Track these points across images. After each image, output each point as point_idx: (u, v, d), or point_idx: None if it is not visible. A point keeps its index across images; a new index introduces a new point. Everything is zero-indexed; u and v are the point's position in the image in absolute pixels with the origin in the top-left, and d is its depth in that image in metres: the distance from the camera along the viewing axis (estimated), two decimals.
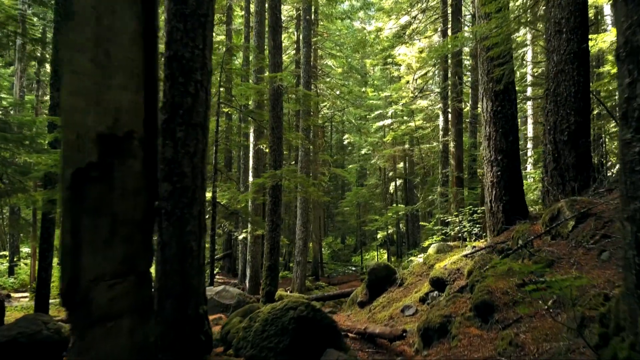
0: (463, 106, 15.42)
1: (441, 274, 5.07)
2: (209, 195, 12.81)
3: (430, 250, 11.45)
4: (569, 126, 7.18)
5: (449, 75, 15.35)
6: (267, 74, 9.59)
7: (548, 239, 4.45)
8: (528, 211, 5.76)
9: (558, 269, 3.57)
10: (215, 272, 20.74)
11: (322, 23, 22.34)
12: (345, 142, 35.41)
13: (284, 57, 23.68)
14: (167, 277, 3.22)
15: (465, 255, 5.36)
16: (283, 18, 22.96)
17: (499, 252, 4.96)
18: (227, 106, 12.88)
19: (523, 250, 3.98)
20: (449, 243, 11.76)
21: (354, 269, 29.02)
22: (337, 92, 24.29)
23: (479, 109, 5.79)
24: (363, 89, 25.06)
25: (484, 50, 5.55)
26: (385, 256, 27.85)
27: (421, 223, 14.99)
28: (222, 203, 12.52)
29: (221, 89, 12.93)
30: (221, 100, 12.55)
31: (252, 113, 11.75)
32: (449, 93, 15.02)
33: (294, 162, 22.13)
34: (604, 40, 10.73)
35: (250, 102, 15.03)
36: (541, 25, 10.06)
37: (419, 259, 12.75)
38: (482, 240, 10.71)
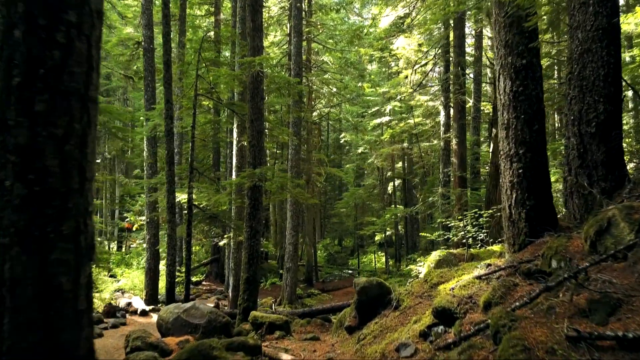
0: (466, 100, 14.23)
1: (448, 303, 3.86)
2: (184, 197, 11.61)
3: (431, 260, 10.25)
4: (597, 116, 6.00)
5: (451, 66, 14.17)
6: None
7: (594, 259, 3.24)
8: (557, 220, 4.56)
9: (630, 313, 2.38)
10: (201, 279, 19.53)
11: (316, 14, 21.14)
12: (342, 141, 34.34)
13: (276, 50, 22.47)
14: (20, 333, 2.02)
15: (479, 277, 4.16)
16: (275, 9, 21.78)
17: (524, 274, 3.75)
18: (207, 98, 11.67)
19: (571, 282, 2.77)
20: (452, 251, 10.54)
21: (350, 272, 27.89)
22: (334, 90, 23.11)
23: (496, 91, 4.58)
24: (360, 84, 23.87)
25: (502, 13, 4.37)
26: (384, 259, 26.71)
27: (422, 234, 13.77)
28: (200, 206, 11.33)
29: (212, 88, 11.73)
30: (199, 91, 11.36)
31: (233, 105, 10.57)
32: (451, 86, 13.83)
33: (287, 161, 20.92)
34: (629, 22, 9.52)
35: (235, 95, 13.84)
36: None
37: (418, 267, 11.56)
38: (497, 247, 9.54)
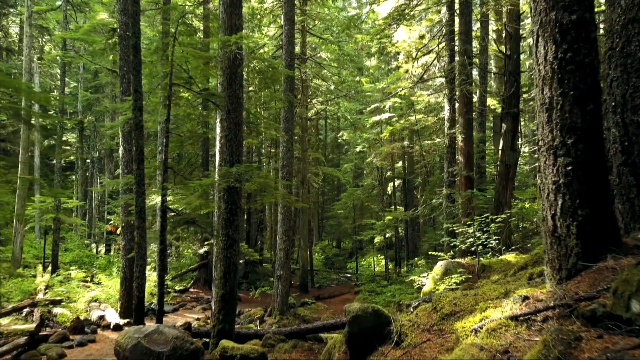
0: (473, 91, 13.02)
1: None
2: (158, 199, 10.42)
3: (436, 271, 9.04)
4: None
5: (456, 56, 12.96)
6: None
7: None
8: (620, 236, 3.35)
9: None
10: (188, 286, 18.31)
11: (311, 3, 19.93)
12: (340, 139, 33.24)
13: (267, 43, 21.26)
14: None
15: (515, 318, 2.96)
16: (270, 0, 20.58)
17: (587, 319, 2.55)
18: (186, 89, 10.46)
19: None
20: (459, 261, 9.35)
21: (349, 275, 26.75)
22: (332, 86, 21.91)
23: (532, 60, 3.37)
24: (357, 79, 22.66)
25: None
26: (383, 262, 25.55)
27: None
28: (180, 209, 10.13)
29: (190, 77, 10.49)
30: (176, 81, 10.15)
31: (213, 96, 9.34)
32: (456, 77, 12.62)
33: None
34: None
35: (220, 87, 12.61)
36: None
37: (421, 278, 10.36)
38: (510, 256, 8.31)
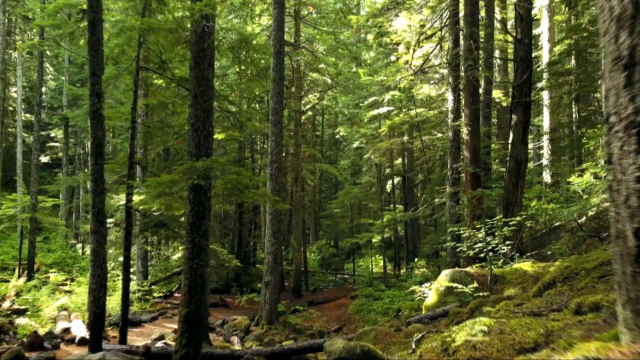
0: (479, 78, 11.85)
1: None
2: (123, 199, 9.30)
3: (440, 281, 7.91)
4: None
5: (461, 40, 11.79)
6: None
7: None
8: None
9: None
10: (170, 291, 17.14)
11: None
12: (338, 136, 32.08)
13: (260, 33, 20.06)
14: None
15: None
16: None
17: None
18: (159, 75, 9.30)
19: None
20: (467, 270, 8.21)
21: (346, 277, 25.63)
22: (328, 80, 20.73)
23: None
24: (354, 69, 21.45)
25: None
26: (382, 263, 24.44)
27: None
28: (152, 209, 8.99)
29: (163, 62, 9.30)
30: (147, 65, 9.00)
31: (187, 82, 8.19)
32: (461, 63, 11.46)
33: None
34: None
35: None
36: None
37: (423, 288, 9.22)
38: (526, 264, 7.11)
